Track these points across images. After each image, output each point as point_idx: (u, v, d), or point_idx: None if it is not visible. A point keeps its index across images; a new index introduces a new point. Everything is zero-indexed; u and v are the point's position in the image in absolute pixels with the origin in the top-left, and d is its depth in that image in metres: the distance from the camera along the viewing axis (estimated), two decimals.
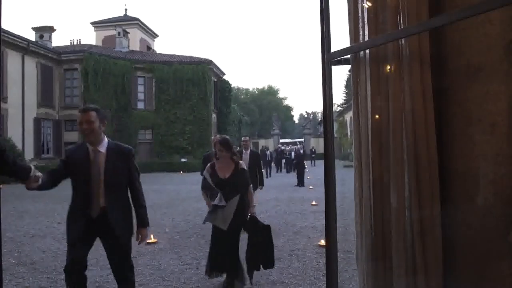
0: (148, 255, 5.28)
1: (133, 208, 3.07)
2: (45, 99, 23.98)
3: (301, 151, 18.66)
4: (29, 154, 21.08)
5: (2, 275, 1.91)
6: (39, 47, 23.88)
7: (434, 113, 1.67)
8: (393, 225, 1.70)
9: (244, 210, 3.83)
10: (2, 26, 1.84)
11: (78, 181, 2.88)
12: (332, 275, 1.79)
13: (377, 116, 1.77)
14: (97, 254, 4.27)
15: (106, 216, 2.84)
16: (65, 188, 3.05)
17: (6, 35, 19.86)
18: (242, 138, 7.59)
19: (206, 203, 5.04)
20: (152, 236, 6.17)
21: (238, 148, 7.23)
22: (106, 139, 2.97)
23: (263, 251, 3.78)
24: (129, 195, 3.06)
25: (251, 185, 4.00)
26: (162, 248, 5.69)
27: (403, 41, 1.70)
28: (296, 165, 16.57)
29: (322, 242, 5.53)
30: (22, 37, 21.98)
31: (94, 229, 2.87)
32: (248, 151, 6.93)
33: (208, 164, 3.97)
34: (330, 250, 1.81)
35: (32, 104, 22.84)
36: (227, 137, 4.12)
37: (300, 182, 15.61)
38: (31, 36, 26.02)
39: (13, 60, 21.10)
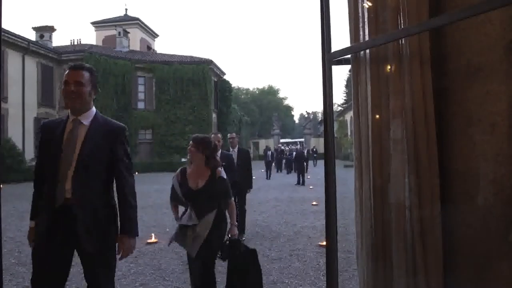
0: (148, 255, 5.29)
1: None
2: (45, 99, 24.01)
3: (304, 151, 18.70)
4: (29, 154, 21.06)
5: (2, 275, 1.91)
6: (39, 47, 23.92)
7: (434, 113, 1.67)
8: (393, 225, 1.70)
9: (222, 230, 3.09)
10: (2, 26, 1.83)
11: (46, 159, 2.18)
12: (332, 275, 1.79)
13: (377, 116, 1.77)
14: None
15: (71, 215, 2.02)
16: None
17: (6, 35, 19.88)
18: (228, 135, 6.95)
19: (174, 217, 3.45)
20: (152, 236, 6.19)
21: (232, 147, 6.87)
22: (94, 110, 2.24)
23: (243, 282, 3.00)
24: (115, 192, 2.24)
25: (233, 198, 3.24)
26: (162, 248, 5.69)
27: (403, 41, 1.70)
28: (299, 165, 16.72)
29: (323, 242, 5.54)
30: (23, 37, 22.03)
31: (57, 232, 2.04)
32: (236, 149, 6.55)
33: (178, 169, 3.25)
34: (331, 250, 1.81)
35: (33, 104, 22.88)
36: (207, 135, 3.34)
37: (301, 181, 15.73)
38: (32, 36, 26.13)
39: (13, 60, 21.13)
